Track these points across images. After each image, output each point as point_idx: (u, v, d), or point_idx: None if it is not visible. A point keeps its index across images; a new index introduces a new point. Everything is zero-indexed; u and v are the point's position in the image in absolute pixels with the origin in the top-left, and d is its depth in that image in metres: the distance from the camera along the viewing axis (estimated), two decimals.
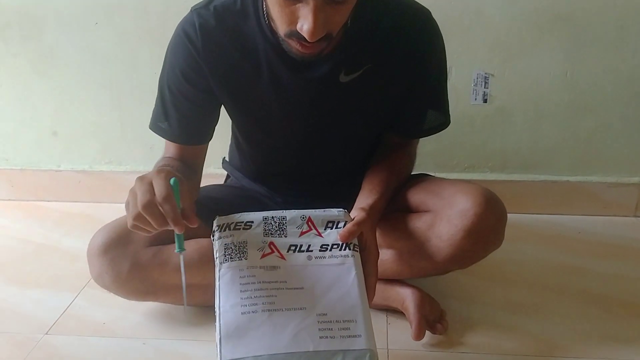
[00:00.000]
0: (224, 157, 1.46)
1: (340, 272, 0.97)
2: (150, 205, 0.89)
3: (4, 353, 1.20)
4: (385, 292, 1.25)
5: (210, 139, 1.23)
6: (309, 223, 1.01)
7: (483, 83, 1.67)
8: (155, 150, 1.81)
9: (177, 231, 0.91)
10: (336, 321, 0.93)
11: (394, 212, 1.22)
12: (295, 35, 0.95)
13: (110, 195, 1.83)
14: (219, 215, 1.02)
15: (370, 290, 1.02)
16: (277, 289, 0.95)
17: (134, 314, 1.30)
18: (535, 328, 1.25)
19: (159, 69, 1.67)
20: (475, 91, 1.69)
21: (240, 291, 0.93)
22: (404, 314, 1.24)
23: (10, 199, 1.91)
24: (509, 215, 1.68)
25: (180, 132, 1.18)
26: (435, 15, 1.53)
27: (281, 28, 0.97)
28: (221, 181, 1.47)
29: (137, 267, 1.15)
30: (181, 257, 0.97)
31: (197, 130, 1.20)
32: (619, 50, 1.63)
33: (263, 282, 0.95)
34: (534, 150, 1.74)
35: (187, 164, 1.19)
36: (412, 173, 1.32)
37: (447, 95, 1.24)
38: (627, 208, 1.75)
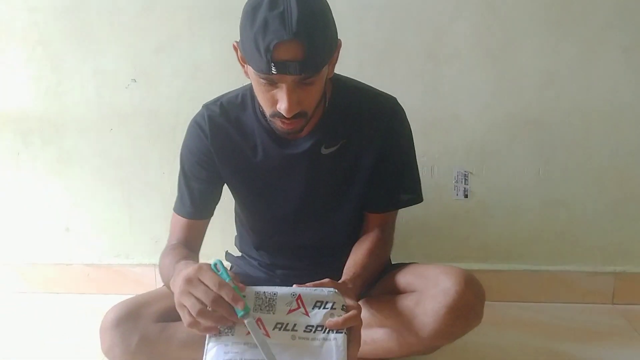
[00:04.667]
0: (227, 250, 1.60)
1: (321, 354, 1.00)
2: (217, 300, 1.00)
3: None
4: None
5: (212, 216, 1.43)
6: (299, 301, 1.04)
7: (463, 180, 1.82)
8: (160, 244, 1.92)
9: (240, 308, 1.00)
10: None
11: (385, 294, 1.33)
12: (277, 114, 1.16)
13: (117, 287, 1.94)
14: None
15: None
16: None
17: None
18: None
19: (168, 169, 1.85)
20: (456, 187, 1.83)
21: None
22: None
23: (22, 292, 2.01)
24: (492, 302, 1.79)
25: (191, 209, 1.38)
26: (417, 119, 1.71)
27: (266, 110, 1.19)
28: None
29: (145, 341, 1.25)
30: (250, 318, 1.01)
31: (204, 206, 1.40)
32: (585, 150, 1.79)
33: (245, 359, 0.99)
34: (514, 241, 1.86)
35: (190, 245, 1.38)
36: (402, 262, 1.43)
37: (417, 172, 1.41)
38: (604, 296, 1.85)
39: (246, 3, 1.13)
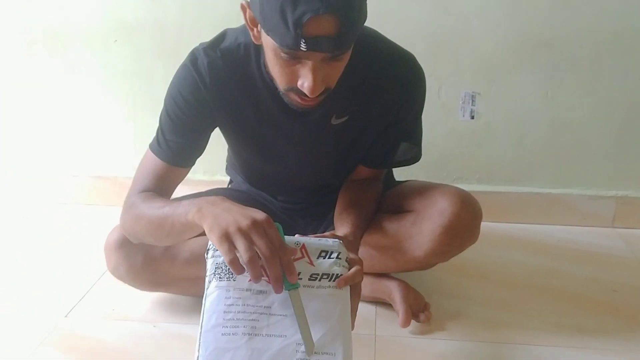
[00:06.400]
0: (227, 164, 1.58)
1: (326, 303, 0.95)
2: (274, 260, 0.90)
3: (28, 331, 1.33)
4: (374, 285, 1.37)
5: (193, 166, 1.25)
6: (303, 250, 0.98)
7: (470, 101, 1.81)
8: None
9: (291, 281, 0.92)
10: (315, 352, 0.90)
11: (383, 213, 1.34)
12: (295, 90, 1.02)
13: (122, 200, 1.95)
14: None
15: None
16: (260, 313, 0.92)
17: (145, 301, 1.43)
18: (511, 320, 1.37)
19: None
20: (463, 108, 1.82)
21: (224, 312, 0.91)
22: (391, 305, 1.36)
23: (29, 202, 2.04)
24: (494, 223, 1.83)
25: (173, 155, 1.20)
26: (426, 38, 1.67)
27: (281, 85, 1.05)
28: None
29: (149, 260, 1.27)
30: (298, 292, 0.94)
31: (187, 155, 1.22)
32: (595, 73, 1.76)
33: (248, 305, 0.92)
34: (518, 163, 1.87)
35: (162, 192, 1.20)
36: (403, 180, 1.44)
37: (421, 128, 1.31)
38: (604, 219, 1.87)
39: None
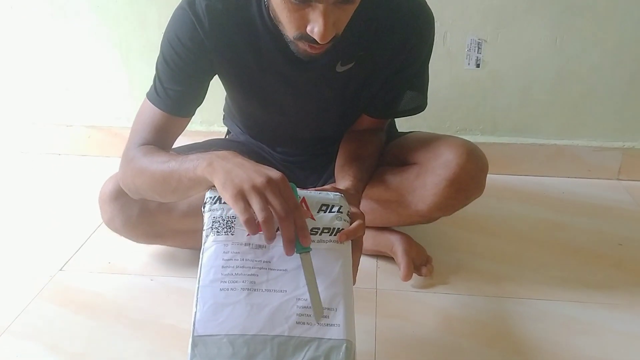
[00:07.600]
0: (224, 115, 1.53)
1: (327, 258, 0.92)
2: (289, 220, 0.86)
3: (23, 285, 1.30)
4: (376, 239, 1.35)
5: (193, 115, 1.20)
6: (303, 204, 0.94)
7: (476, 48, 1.74)
8: None
9: (304, 244, 0.89)
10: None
11: (385, 166, 1.30)
12: (304, 37, 0.97)
13: (118, 150, 1.90)
14: (213, 187, 0.94)
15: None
16: (259, 268, 0.89)
17: (142, 254, 1.40)
18: (515, 274, 1.34)
19: None
20: (468, 56, 1.76)
21: (222, 267, 0.89)
22: (392, 259, 1.34)
23: (23, 152, 2.00)
24: (497, 175, 1.80)
25: (172, 103, 1.14)
26: None
27: (290, 32, 0.99)
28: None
29: (145, 212, 1.23)
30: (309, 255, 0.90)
31: (189, 102, 1.17)
32: (606, 20, 1.69)
33: (246, 259, 0.90)
34: (524, 114, 1.82)
35: (162, 144, 1.14)
36: (405, 131, 1.40)
37: (428, 76, 1.26)
38: (610, 171, 1.84)
39: None
